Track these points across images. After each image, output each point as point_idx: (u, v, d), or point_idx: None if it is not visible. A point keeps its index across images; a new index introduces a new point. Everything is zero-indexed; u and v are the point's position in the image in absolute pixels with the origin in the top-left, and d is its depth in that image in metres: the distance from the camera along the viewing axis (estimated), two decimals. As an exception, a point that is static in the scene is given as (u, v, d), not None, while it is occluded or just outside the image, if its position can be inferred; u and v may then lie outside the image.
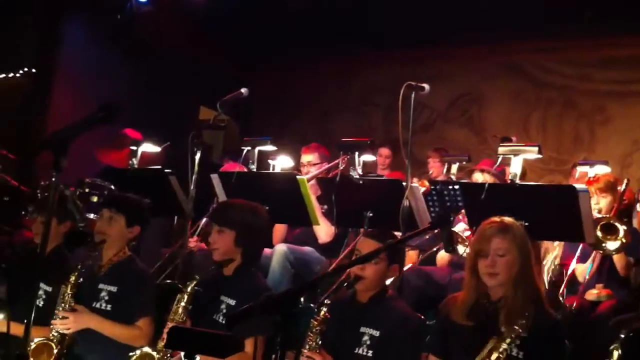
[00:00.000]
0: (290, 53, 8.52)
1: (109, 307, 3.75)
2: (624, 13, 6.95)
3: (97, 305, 3.76)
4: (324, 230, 5.04)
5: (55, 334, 3.63)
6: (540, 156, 4.08)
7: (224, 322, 3.55)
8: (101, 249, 3.86)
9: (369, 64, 8.45)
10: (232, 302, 3.56)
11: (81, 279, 3.75)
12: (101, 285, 3.80)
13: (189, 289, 3.52)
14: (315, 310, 3.34)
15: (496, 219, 3.13)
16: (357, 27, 8.16)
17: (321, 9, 7.84)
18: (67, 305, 3.67)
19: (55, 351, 3.57)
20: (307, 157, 5.45)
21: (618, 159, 6.33)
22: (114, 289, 3.77)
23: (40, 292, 3.96)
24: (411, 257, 5.06)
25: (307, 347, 3.27)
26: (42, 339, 3.60)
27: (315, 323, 3.28)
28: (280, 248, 4.99)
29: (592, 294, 4.44)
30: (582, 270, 4.60)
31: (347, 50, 8.36)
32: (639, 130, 6.83)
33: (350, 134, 5.43)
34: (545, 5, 7.32)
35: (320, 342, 3.28)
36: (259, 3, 7.82)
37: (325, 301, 3.34)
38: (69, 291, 3.69)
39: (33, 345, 3.55)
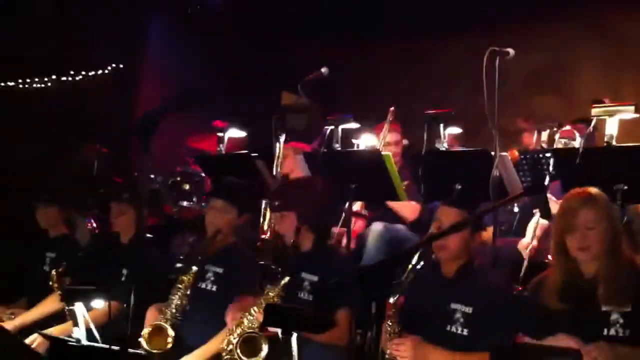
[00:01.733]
0: (372, 30, 8.43)
1: (214, 288, 3.83)
2: None
3: (203, 286, 3.84)
4: (407, 209, 4.97)
5: (169, 317, 3.72)
6: (637, 115, 3.88)
7: (310, 299, 3.55)
8: (213, 239, 3.93)
9: (451, 34, 8.25)
10: (315, 279, 3.56)
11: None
12: (207, 267, 3.88)
13: (282, 283, 3.52)
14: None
15: (579, 190, 2.99)
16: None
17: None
18: (182, 293, 3.76)
19: (170, 333, 3.65)
20: (392, 136, 5.27)
21: None
22: (220, 270, 3.85)
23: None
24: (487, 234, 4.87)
25: (388, 335, 3.17)
26: (157, 322, 3.71)
27: (390, 313, 3.18)
28: (377, 227, 4.97)
29: None
30: None
31: (429, 24, 8.21)
32: None
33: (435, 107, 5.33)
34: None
35: (398, 330, 3.18)
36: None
37: (399, 287, 3.21)
38: (186, 283, 3.77)
39: (148, 329, 3.67)
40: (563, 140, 4.74)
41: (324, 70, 5.24)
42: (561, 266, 2.97)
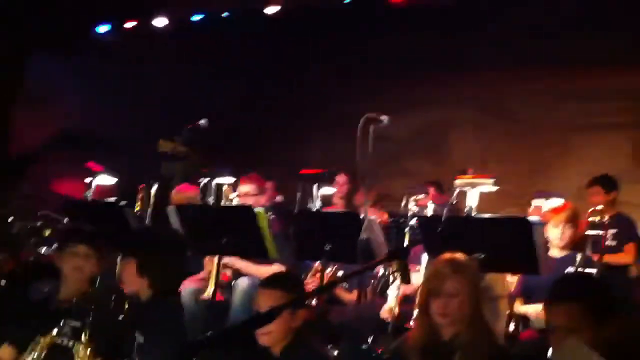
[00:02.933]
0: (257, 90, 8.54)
1: (70, 344, 3.60)
2: (585, 46, 7.10)
3: (59, 342, 3.59)
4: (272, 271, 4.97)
5: None
6: (496, 188, 4.11)
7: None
8: (65, 284, 3.74)
9: (338, 93, 8.48)
10: (141, 340, 3.32)
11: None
12: (64, 320, 3.61)
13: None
14: None
15: (448, 256, 3.07)
16: (325, 57, 8.25)
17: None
18: (36, 354, 3.52)
19: None
20: (244, 188, 5.30)
21: (574, 192, 6.40)
22: (77, 324, 3.60)
23: None
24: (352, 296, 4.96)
25: None
26: None
27: None
28: (243, 283, 4.92)
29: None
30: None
31: (318, 79, 8.43)
32: (595, 164, 6.89)
33: (318, 163, 5.41)
34: (509, 37, 7.44)
35: None
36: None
37: None
38: (42, 344, 3.52)
39: None
40: (416, 208, 4.93)
41: (202, 121, 5.23)
42: (423, 327, 3.04)
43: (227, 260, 4.79)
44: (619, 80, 7.15)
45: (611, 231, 5.58)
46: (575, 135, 7.53)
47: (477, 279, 3.09)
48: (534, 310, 4.61)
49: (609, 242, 5.59)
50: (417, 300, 3.15)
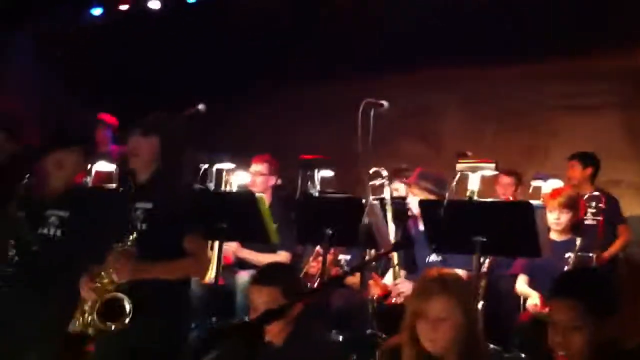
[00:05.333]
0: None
1: (59, 232, 3.59)
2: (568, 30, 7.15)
3: (45, 231, 3.59)
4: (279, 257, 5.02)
5: None
6: (497, 172, 4.13)
7: (144, 227, 3.34)
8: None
9: (329, 84, 8.48)
10: (149, 206, 3.38)
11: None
12: (49, 212, 3.61)
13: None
14: None
15: (435, 273, 2.72)
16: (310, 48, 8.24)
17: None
18: None
19: None
20: (256, 167, 5.36)
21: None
22: (65, 214, 3.60)
23: None
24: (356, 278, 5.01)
25: None
26: None
27: None
28: (243, 278, 4.97)
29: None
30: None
31: (310, 69, 8.43)
32: (585, 144, 6.94)
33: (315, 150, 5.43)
34: (494, 22, 7.45)
35: None
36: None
37: None
38: None
39: None
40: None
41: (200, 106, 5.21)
42: (410, 349, 2.68)
43: (231, 248, 4.81)
44: (606, 63, 7.21)
45: (590, 210, 5.65)
46: (565, 117, 7.58)
47: (469, 297, 2.78)
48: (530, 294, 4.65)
49: (588, 222, 5.66)
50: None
